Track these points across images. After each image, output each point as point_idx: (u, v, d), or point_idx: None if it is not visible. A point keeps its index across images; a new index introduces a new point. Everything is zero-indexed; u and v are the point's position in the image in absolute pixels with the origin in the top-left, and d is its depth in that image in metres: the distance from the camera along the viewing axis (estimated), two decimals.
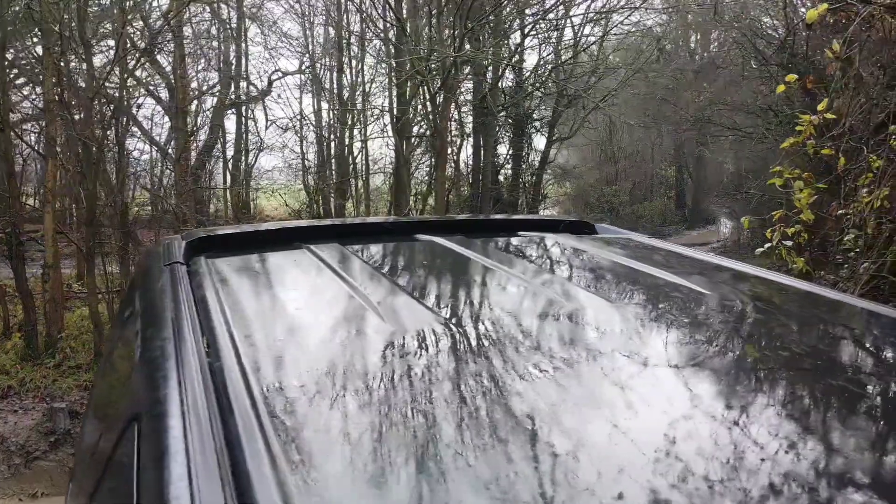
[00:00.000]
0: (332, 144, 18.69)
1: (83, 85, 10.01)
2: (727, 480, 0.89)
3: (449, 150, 13.62)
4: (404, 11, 12.12)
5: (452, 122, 13.40)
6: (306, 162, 18.84)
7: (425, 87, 10.88)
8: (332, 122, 18.12)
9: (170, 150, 13.55)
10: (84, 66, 9.11)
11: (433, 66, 10.41)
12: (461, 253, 2.16)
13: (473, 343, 1.41)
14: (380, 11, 11.84)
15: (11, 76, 9.86)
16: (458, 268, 2.04)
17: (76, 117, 9.24)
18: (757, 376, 1.28)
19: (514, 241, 2.49)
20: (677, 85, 18.64)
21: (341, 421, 1.11)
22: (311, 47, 17.86)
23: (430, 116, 11.39)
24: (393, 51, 12.88)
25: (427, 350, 1.37)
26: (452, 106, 12.61)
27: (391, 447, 1.02)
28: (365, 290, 1.75)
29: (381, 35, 13.33)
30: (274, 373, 1.28)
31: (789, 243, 3.97)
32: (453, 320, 1.54)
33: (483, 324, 1.55)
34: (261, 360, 1.32)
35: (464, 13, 9.61)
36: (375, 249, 2.28)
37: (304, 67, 18.03)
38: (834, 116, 3.96)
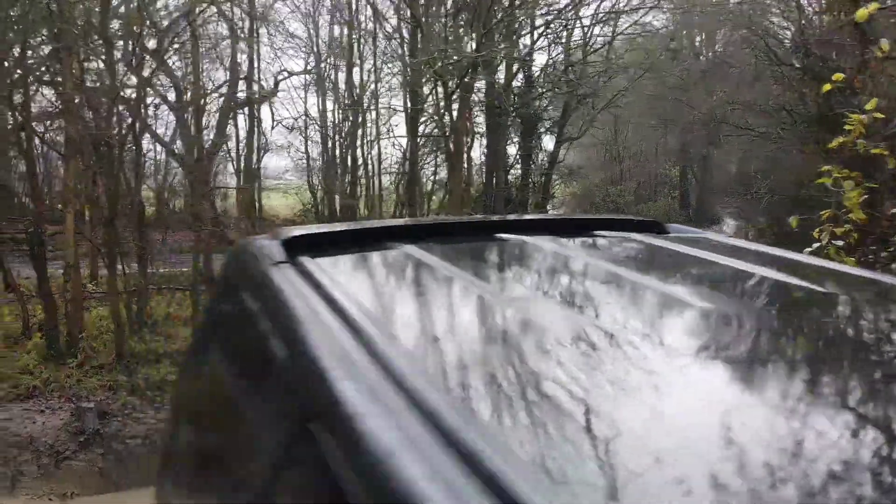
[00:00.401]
0: (338, 144, 18.70)
1: (101, 85, 10.02)
2: None
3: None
4: (419, 10, 12.13)
5: (468, 123, 13.43)
6: (311, 162, 18.87)
7: (442, 87, 10.90)
8: (337, 121, 18.14)
9: (175, 149, 13.57)
10: (104, 66, 9.09)
11: (449, 65, 10.43)
12: (558, 253, 2.19)
13: (620, 340, 1.43)
14: (396, 10, 11.84)
15: (31, 77, 9.85)
16: (563, 268, 2.06)
17: (96, 118, 9.25)
18: None
19: (600, 241, 2.51)
20: (685, 85, 18.67)
21: (534, 415, 1.13)
22: (315, 47, 17.87)
23: (447, 116, 11.41)
24: (407, 50, 12.90)
25: (577, 345, 1.39)
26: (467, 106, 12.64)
27: (578, 432, 1.05)
28: (487, 287, 1.77)
29: (396, 34, 13.35)
30: (442, 365, 1.30)
31: (840, 243, 3.99)
32: (582, 316, 1.56)
33: (623, 324, 1.57)
34: (422, 355, 1.34)
35: (482, 14, 9.63)
36: (470, 248, 2.30)
37: (309, 67, 18.04)
38: (883, 116, 3.98)
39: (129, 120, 9.95)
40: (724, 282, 1.97)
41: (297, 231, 2.35)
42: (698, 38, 24.11)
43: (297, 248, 2.20)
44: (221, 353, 2.18)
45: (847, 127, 3.98)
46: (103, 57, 9.40)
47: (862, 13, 3.88)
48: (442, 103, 12.00)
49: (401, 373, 1.24)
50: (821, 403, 1.19)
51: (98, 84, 9.88)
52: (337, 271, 2.02)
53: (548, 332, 1.45)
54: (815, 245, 4.15)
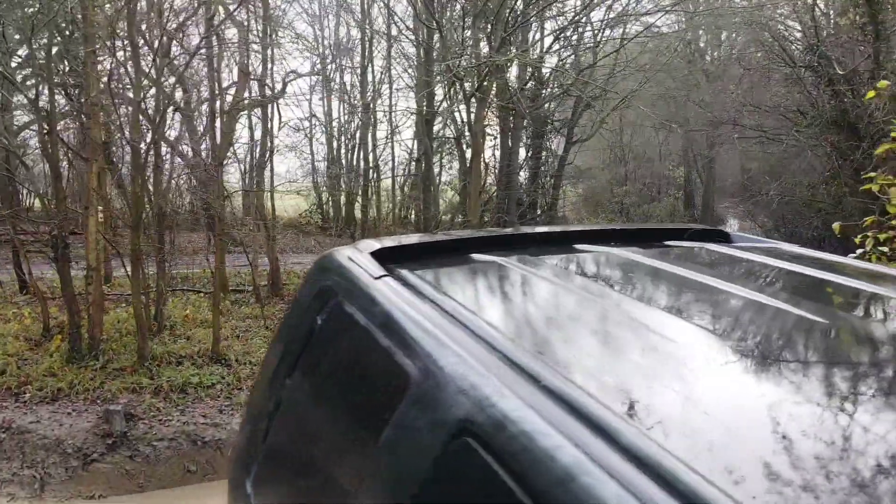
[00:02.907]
0: (344, 146, 18.75)
1: (124, 90, 10.07)
2: None
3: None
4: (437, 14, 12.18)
5: (486, 125, 13.49)
6: (318, 163, 18.92)
7: (460, 89, 10.94)
8: (344, 123, 18.17)
9: (190, 152, 13.62)
10: (132, 68, 9.12)
11: (469, 67, 10.47)
12: (646, 264, 2.23)
13: (743, 351, 1.47)
14: (414, 12, 11.88)
15: (56, 79, 9.90)
16: (658, 279, 2.10)
17: (120, 120, 9.28)
18: None
19: (681, 251, 2.55)
20: (695, 86, 18.71)
21: (708, 424, 1.17)
22: (322, 49, 17.91)
23: (465, 118, 11.44)
24: (423, 52, 12.93)
25: (716, 354, 1.44)
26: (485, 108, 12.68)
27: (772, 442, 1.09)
28: (605, 299, 1.81)
29: (412, 36, 13.38)
30: (605, 383, 1.34)
31: (885, 249, 4.04)
32: (716, 331, 1.60)
33: (744, 336, 1.61)
34: (576, 371, 1.38)
35: (503, 17, 9.67)
36: (561, 260, 2.34)
37: (316, 69, 18.08)
38: None
39: (151, 124, 9.98)
40: (820, 293, 2.02)
41: (384, 243, 2.39)
42: (702, 40, 24.17)
43: (387, 260, 2.24)
44: (323, 364, 2.22)
45: (893, 134, 4.02)
46: (126, 62, 9.43)
47: None
48: (459, 105, 12.03)
49: (558, 387, 1.28)
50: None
51: (120, 88, 9.91)
52: (441, 284, 2.06)
53: (685, 346, 1.50)
54: (859, 251, 4.20)
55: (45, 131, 8.69)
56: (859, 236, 4.23)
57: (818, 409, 1.22)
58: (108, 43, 8.83)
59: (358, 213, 18.47)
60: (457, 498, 1.35)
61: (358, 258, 2.24)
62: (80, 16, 8.90)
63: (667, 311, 1.73)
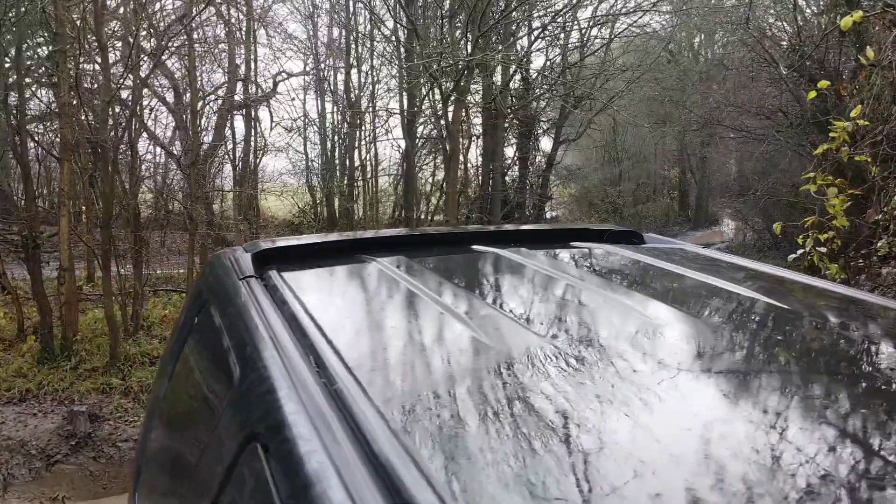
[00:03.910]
0: (337, 146, 18.71)
1: (97, 88, 10.03)
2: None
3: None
4: (415, 13, 12.14)
5: (464, 125, 13.44)
6: (310, 163, 18.87)
7: (437, 89, 10.90)
8: (336, 123, 18.13)
9: (172, 151, 13.58)
10: (99, 69, 9.09)
11: (446, 68, 10.43)
12: (525, 265, 2.18)
13: (570, 354, 1.43)
14: (392, 13, 11.85)
15: (27, 80, 9.87)
16: (532, 282, 2.06)
17: (91, 120, 9.25)
18: (843, 389, 1.31)
19: (574, 252, 2.50)
20: (683, 86, 18.66)
21: (467, 430, 1.13)
22: (314, 49, 17.89)
23: (442, 118, 11.41)
24: (403, 52, 12.90)
25: (528, 359, 1.39)
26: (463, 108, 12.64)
27: (519, 452, 1.05)
28: (448, 303, 1.77)
29: (392, 37, 13.35)
30: (389, 389, 1.30)
31: (823, 249, 4.00)
32: (543, 333, 1.56)
33: (573, 338, 1.56)
34: (371, 377, 1.34)
35: (477, 17, 9.63)
36: (439, 261, 2.30)
37: (308, 69, 18.06)
38: (867, 123, 3.99)
39: (125, 122, 9.95)
40: (693, 295, 1.98)
41: (269, 244, 2.35)
42: (697, 40, 24.12)
43: (268, 261, 2.20)
44: (190, 365, 2.19)
45: (832, 134, 3.98)
46: (99, 59, 9.40)
47: (846, 21, 3.88)
48: (438, 105, 11.99)
49: (346, 395, 1.24)
50: (791, 416, 1.19)
51: (94, 86, 9.89)
52: (301, 286, 2.01)
53: (497, 350, 1.45)
54: (799, 251, 4.16)
55: (16, 130, 8.66)
56: (800, 236, 4.19)
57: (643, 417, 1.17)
58: (80, 42, 8.78)
59: (349, 213, 18.46)
60: (242, 499, 1.32)
61: (238, 259, 2.20)
62: (52, 14, 8.88)
63: (509, 315, 1.68)
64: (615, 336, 1.54)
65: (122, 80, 9.11)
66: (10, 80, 9.44)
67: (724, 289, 1.94)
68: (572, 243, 2.72)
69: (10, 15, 8.73)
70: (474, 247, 2.54)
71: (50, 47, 10.93)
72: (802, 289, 2.08)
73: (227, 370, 1.65)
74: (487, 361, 1.40)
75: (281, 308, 1.74)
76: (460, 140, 13.34)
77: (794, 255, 4.13)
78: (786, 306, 1.79)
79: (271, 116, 17.59)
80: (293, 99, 17.63)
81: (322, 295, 2.00)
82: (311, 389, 1.31)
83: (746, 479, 0.95)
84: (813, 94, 4.25)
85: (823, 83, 4.19)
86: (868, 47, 4.01)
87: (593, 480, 0.98)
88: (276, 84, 17.47)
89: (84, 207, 12.01)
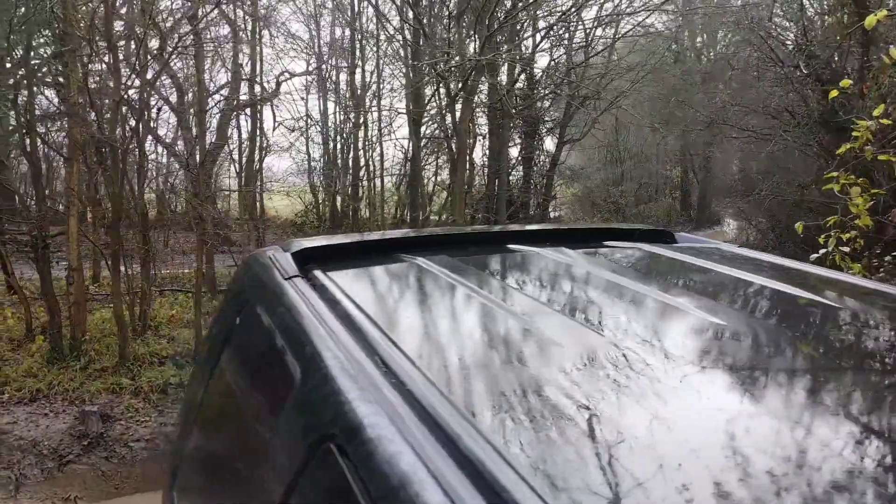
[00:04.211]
0: (339, 145, 18.71)
1: (104, 88, 10.02)
2: None
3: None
4: (422, 12, 12.13)
5: (471, 125, 13.44)
6: (313, 163, 18.87)
7: (444, 89, 10.90)
8: (339, 123, 18.13)
9: (178, 151, 13.57)
10: (108, 68, 9.09)
11: (454, 67, 10.43)
12: (572, 265, 2.18)
13: (639, 355, 1.42)
14: (399, 11, 11.85)
15: (35, 79, 9.86)
16: (575, 281, 2.06)
17: (100, 120, 9.24)
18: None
19: (616, 252, 2.50)
20: (687, 86, 18.67)
21: (553, 427, 1.13)
22: (317, 48, 17.89)
23: (449, 118, 11.41)
24: (410, 52, 12.89)
25: (598, 359, 1.39)
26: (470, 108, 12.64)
27: (604, 449, 1.05)
28: (503, 302, 1.76)
29: (399, 36, 13.34)
30: (465, 387, 1.29)
31: (846, 249, 3.99)
32: (609, 333, 1.55)
33: (640, 339, 1.56)
34: (442, 376, 1.33)
35: (485, 17, 9.63)
36: (483, 260, 2.29)
37: (311, 68, 18.05)
38: (890, 122, 3.98)
39: (133, 122, 9.94)
40: (731, 293, 1.97)
41: (308, 243, 2.34)
42: (699, 39, 24.13)
43: (308, 261, 2.19)
44: (235, 366, 2.18)
45: (855, 133, 3.98)
46: (107, 59, 9.40)
47: (870, 20, 3.88)
48: (445, 105, 11.99)
49: (421, 395, 1.23)
50: (825, 413, 1.19)
51: (102, 86, 9.88)
52: (350, 285, 2.01)
53: (563, 349, 1.45)
54: (822, 251, 4.16)
55: (25, 130, 8.65)
56: (822, 236, 4.19)
57: (729, 418, 1.17)
58: (90, 42, 8.77)
59: (354, 213, 18.46)
60: (315, 499, 1.32)
61: (278, 258, 2.20)
62: (60, 15, 8.87)
63: (566, 314, 1.68)
64: (684, 338, 1.54)
65: (132, 80, 9.10)
66: (15, 78, 9.44)
67: (776, 289, 1.94)
68: (607, 242, 2.72)
69: (19, 13, 8.72)
70: (510, 246, 2.53)
71: (53, 47, 10.93)
72: (851, 288, 2.07)
73: (284, 371, 1.65)
74: (558, 361, 1.40)
75: (334, 308, 1.73)
76: (467, 140, 13.33)
77: (815, 256, 4.13)
78: (842, 306, 1.79)
79: (274, 116, 17.61)
80: (304, 98, 17.62)
81: (373, 294, 2.00)
82: (383, 390, 1.31)
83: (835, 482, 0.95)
84: (835, 92, 4.25)
85: (846, 82, 4.19)
86: (892, 47, 4.00)
87: (690, 480, 0.98)
88: (279, 84, 17.49)
89: (89, 207, 12.00)
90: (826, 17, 12.56)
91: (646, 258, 2.38)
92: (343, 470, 1.21)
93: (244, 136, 17.44)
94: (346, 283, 1.99)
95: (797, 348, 1.52)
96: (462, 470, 1.01)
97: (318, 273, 2.02)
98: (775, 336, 1.58)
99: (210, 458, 2.20)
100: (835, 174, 3.99)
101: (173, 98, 14.26)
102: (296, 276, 1.99)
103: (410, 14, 11.53)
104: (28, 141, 8.84)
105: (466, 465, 1.01)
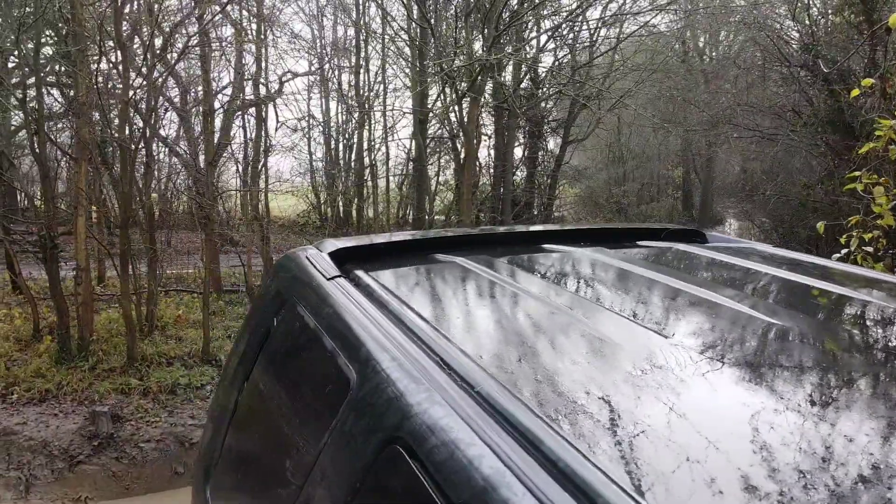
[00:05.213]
0: (342, 145, 18.68)
1: (112, 88, 10.01)
2: None
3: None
4: (429, 12, 12.12)
5: (477, 124, 13.44)
6: (315, 163, 18.85)
7: (451, 89, 10.89)
8: (341, 123, 18.10)
9: (182, 151, 13.55)
10: (116, 69, 9.07)
11: (461, 67, 10.42)
12: (613, 264, 2.17)
13: (700, 354, 1.41)
14: (405, 8, 11.82)
15: (44, 80, 9.84)
16: (623, 279, 2.05)
17: (108, 120, 9.23)
18: None
19: (655, 251, 2.49)
20: (691, 86, 18.65)
21: (632, 428, 1.12)
22: (319, 49, 17.87)
23: (456, 118, 11.40)
24: (417, 51, 12.88)
25: (661, 358, 1.38)
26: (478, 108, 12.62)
27: (687, 449, 1.04)
28: (556, 301, 1.75)
29: (405, 35, 13.33)
30: (536, 389, 1.28)
31: (869, 249, 3.98)
32: (667, 332, 1.54)
33: (697, 338, 1.55)
34: (511, 378, 1.32)
35: (493, 16, 9.61)
36: (523, 260, 2.28)
37: (313, 68, 18.03)
38: None
39: (141, 123, 9.92)
40: (786, 295, 1.96)
41: (342, 243, 2.32)
42: (702, 39, 24.12)
43: (343, 261, 2.17)
44: (276, 367, 2.16)
45: (878, 133, 3.97)
46: (114, 59, 9.38)
47: (894, 19, 3.87)
48: (451, 105, 11.98)
49: (491, 396, 1.22)
50: (872, 412, 1.18)
51: (110, 87, 9.86)
52: (396, 286, 1.99)
53: (625, 349, 1.44)
54: (843, 251, 4.15)
55: (34, 130, 8.63)
56: (844, 236, 4.18)
57: (782, 417, 1.16)
58: (98, 42, 8.76)
59: (354, 214, 18.44)
60: (381, 499, 1.31)
61: (315, 259, 2.18)
62: (69, 15, 8.85)
63: (620, 314, 1.67)
64: (750, 340, 1.53)
65: (142, 81, 9.08)
66: (23, 77, 9.42)
67: (825, 289, 1.93)
68: (641, 242, 2.71)
69: (28, 11, 8.70)
70: (545, 246, 2.52)
71: (58, 47, 10.91)
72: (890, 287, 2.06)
73: (337, 372, 1.63)
74: (623, 361, 1.39)
75: (384, 309, 1.72)
76: (473, 140, 13.32)
77: (837, 255, 4.11)
78: (866, 300, 1.80)
79: (276, 117, 17.59)
80: (310, 98, 17.59)
81: (421, 294, 1.98)
82: (451, 392, 1.29)
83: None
84: (856, 91, 4.24)
85: (867, 81, 4.18)
86: None
87: (778, 476, 0.97)
88: (281, 84, 17.47)
89: (95, 207, 11.98)
90: (831, 16, 12.55)
91: (690, 258, 2.37)
92: (414, 472, 1.19)
93: (245, 136, 17.47)
94: (391, 283, 1.97)
95: (863, 349, 1.51)
96: (549, 474, 1.00)
97: (359, 273, 2.01)
98: (837, 337, 1.57)
99: (250, 457, 2.19)
100: (857, 174, 3.98)
101: (177, 99, 14.26)
102: (338, 277, 1.98)
103: (416, 12, 11.50)
104: (36, 141, 8.79)
105: (553, 468, 1.00)
